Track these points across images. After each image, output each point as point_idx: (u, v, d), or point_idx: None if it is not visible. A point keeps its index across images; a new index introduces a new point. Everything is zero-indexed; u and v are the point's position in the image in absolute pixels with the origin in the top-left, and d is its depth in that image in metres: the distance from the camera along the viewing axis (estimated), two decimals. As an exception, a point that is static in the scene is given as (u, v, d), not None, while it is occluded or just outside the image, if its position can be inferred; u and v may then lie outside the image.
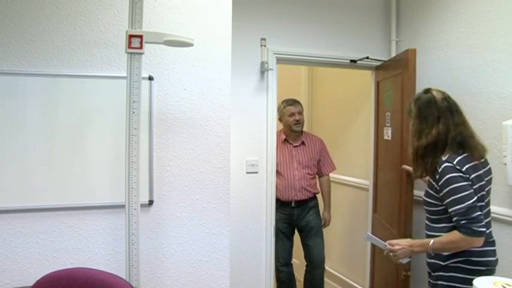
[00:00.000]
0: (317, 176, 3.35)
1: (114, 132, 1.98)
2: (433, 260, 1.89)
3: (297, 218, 3.21)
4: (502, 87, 2.34)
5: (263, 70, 2.97)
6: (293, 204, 3.18)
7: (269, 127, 3.02)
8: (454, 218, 1.76)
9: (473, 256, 1.80)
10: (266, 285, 3.05)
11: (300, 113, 3.23)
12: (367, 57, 3.12)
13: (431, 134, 1.87)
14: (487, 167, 1.93)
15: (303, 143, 3.26)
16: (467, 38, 2.58)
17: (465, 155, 1.83)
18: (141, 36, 1.70)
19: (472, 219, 1.72)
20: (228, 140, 2.21)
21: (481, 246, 1.80)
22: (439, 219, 1.87)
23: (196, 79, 2.16)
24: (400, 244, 1.91)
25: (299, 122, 3.21)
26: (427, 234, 1.96)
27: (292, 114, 3.20)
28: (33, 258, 1.94)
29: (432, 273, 1.92)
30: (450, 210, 1.77)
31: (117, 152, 1.96)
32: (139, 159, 1.75)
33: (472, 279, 1.70)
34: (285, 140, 3.26)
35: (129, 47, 1.70)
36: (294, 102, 3.26)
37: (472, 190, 1.76)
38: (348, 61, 3.15)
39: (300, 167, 3.19)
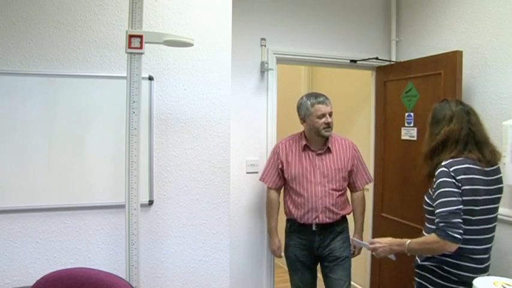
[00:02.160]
0: (349, 190, 2.68)
1: (114, 132, 1.98)
2: (416, 258, 1.97)
3: (319, 246, 2.51)
4: (502, 87, 2.34)
5: (263, 70, 2.97)
6: (314, 228, 2.48)
7: (269, 127, 3.01)
8: (436, 220, 1.77)
9: (445, 265, 1.84)
10: (266, 286, 3.05)
11: (331, 114, 2.49)
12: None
13: (442, 133, 1.89)
14: (495, 186, 1.89)
15: (328, 149, 2.52)
16: (467, 38, 2.58)
17: (467, 165, 1.82)
18: (141, 36, 1.70)
19: (451, 223, 1.72)
20: (228, 140, 2.21)
21: (460, 260, 1.82)
22: (433, 219, 1.87)
23: (196, 79, 2.16)
24: (381, 242, 1.99)
25: (330, 126, 2.48)
26: (423, 234, 1.97)
27: (323, 116, 2.44)
28: (33, 258, 1.94)
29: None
30: (435, 212, 1.79)
31: (117, 152, 1.96)
32: (139, 159, 1.75)
33: (442, 284, 1.83)
34: (306, 146, 2.54)
35: (129, 47, 1.70)
36: (324, 98, 2.49)
37: (459, 198, 1.76)
38: (348, 61, 3.15)
39: (324, 181, 2.47)
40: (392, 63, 3.15)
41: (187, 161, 2.15)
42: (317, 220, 2.46)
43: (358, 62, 3.14)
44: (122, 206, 1.78)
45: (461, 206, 1.76)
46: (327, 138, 2.53)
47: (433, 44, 2.83)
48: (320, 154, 2.52)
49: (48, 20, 1.95)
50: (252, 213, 3.00)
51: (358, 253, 2.68)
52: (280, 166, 2.58)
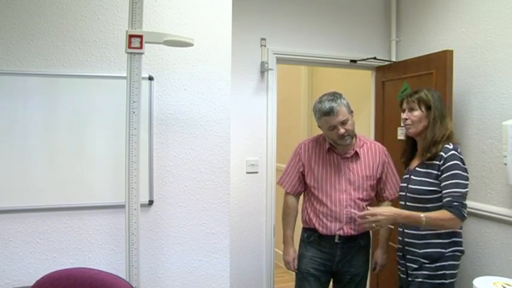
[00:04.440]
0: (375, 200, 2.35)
1: (114, 132, 1.98)
2: (432, 250, 1.96)
3: (339, 261, 2.23)
4: (502, 87, 2.34)
5: (263, 70, 2.97)
6: (337, 240, 2.21)
7: (269, 127, 3.02)
8: (447, 199, 1.89)
9: (461, 246, 2.02)
10: (266, 285, 3.05)
11: (345, 122, 2.13)
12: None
13: (450, 122, 2.05)
14: None
15: (356, 153, 2.24)
16: (467, 38, 2.58)
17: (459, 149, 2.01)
18: (141, 36, 1.70)
19: (463, 204, 1.89)
20: (228, 140, 2.21)
21: (461, 237, 2.02)
22: (436, 207, 1.94)
23: (196, 79, 2.15)
24: (384, 214, 1.94)
25: (345, 135, 2.15)
26: (415, 226, 2.00)
27: (333, 128, 2.14)
28: (33, 258, 1.94)
29: (429, 265, 1.97)
30: (446, 191, 1.91)
31: (117, 152, 1.96)
32: (139, 159, 1.75)
33: (458, 265, 2.00)
34: (330, 149, 2.26)
35: (129, 47, 1.70)
36: (332, 108, 2.12)
37: (468, 182, 1.94)
38: (348, 61, 3.15)
39: (350, 189, 2.19)
40: (390, 63, 3.15)
41: (187, 161, 2.15)
42: (341, 232, 2.19)
43: (358, 62, 3.14)
44: (122, 206, 1.78)
45: (468, 189, 1.93)
46: (354, 139, 2.25)
47: (433, 44, 2.83)
48: (346, 158, 2.23)
49: (48, 20, 1.95)
50: (252, 213, 3.00)
51: (380, 269, 2.37)
52: (301, 169, 2.30)
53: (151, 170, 2.07)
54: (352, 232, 2.18)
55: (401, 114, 2.12)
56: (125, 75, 1.73)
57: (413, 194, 2.03)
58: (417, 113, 2.02)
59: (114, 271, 1.83)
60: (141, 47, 1.71)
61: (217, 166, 2.19)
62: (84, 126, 1.99)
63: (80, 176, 1.98)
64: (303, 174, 2.30)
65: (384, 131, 3.15)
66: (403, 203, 2.11)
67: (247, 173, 2.99)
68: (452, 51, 2.55)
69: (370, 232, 2.32)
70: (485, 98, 2.44)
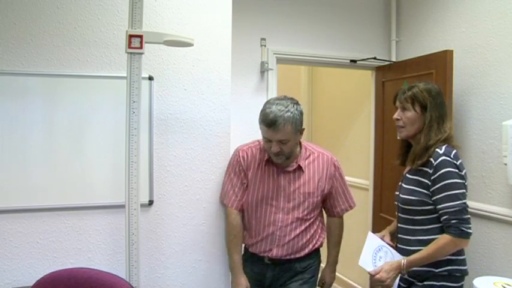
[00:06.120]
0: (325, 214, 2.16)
1: (114, 132, 1.98)
2: (422, 268, 1.75)
3: (270, 284, 2.03)
4: (502, 87, 2.34)
5: (263, 70, 2.97)
6: (267, 261, 2.00)
7: (269, 127, 3.01)
8: (444, 217, 1.68)
9: (461, 265, 1.76)
10: (266, 285, 3.05)
11: (284, 141, 1.85)
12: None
13: (448, 128, 1.78)
14: None
15: (299, 167, 1.98)
16: (467, 38, 2.58)
17: (455, 150, 1.75)
18: (141, 36, 1.70)
19: (463, 220, 1.66)
20: (228, 140, 2.21)
21: (462, 255, 1.77)
22: (426, 219, 1.76)
23: (196, 79, 2.15)
24: (388, 273, 1.75)
25: (279, 154, 1.90)
26: (405, 238, 1.83)
27: (268, 140, 1.89)
28: (33, 258, 1.94)
29: (418, 283, 1.78)
30: (440, 207, 1.69)
31: (117, 152, 1.96)
32: (139, 159, 1.75)
33: (459, 286, 1.72)
34: (269, 160, 1.99)
35: (129, 47, 1.70)
36: (273, 121, 1.81)
37: (465, 190, 1.69)
38: (348, 61, 3.16)
39: (288, 207, 1.95)
40: (390, 63, 3.15)
41: (187, 161, 2.14)
42: (270, 254, 1.98)
43: (358, 62, 3.14)
44: (122, 206, 1.78)
45: (465, 200, 1.68)
46: (299, 150, 2.00)
47: (433, 44, 2.83)
48: (288, 172, 1.97)
49: (48, 20, 1.94)
50: (252, 213, 2.99)
51: None
52: (244, 180, 2.04)
53: (151, 170, 2.07)
54: (285, 257, 1.96)
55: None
56: (125, 75, 1.73)
57: (402, 204, 1.85)
58: (410, 114, 1.80)
59: (114, 271, 1.83)
60: (141, 47, 1.71)
61: (217, 166, 2.19)
62: (84, 126, 1.99)
63: (80, 176, 1.98)
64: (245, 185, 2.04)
65: (384, 131, 3.15)
66: (398, 213, 1.92)
67: (247, 173, 2.99)
68: (452, 51, 2.55)
69: (319, 251, 2.13)
70: (485, 98, 2.44)
